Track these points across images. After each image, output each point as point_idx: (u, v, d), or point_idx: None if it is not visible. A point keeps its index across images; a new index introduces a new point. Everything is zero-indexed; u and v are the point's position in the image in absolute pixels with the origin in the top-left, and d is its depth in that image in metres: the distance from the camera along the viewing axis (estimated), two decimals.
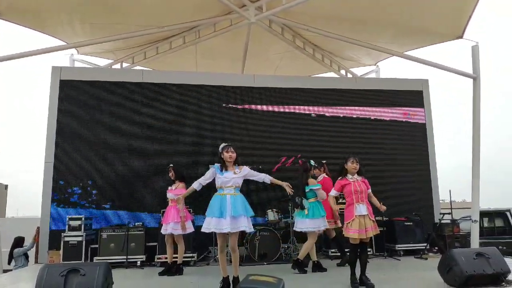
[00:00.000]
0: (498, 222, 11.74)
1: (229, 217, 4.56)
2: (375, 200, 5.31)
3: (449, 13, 7.90)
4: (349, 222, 5.05)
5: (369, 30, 8.84)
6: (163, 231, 6.40)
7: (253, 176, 4.92)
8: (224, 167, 4.77)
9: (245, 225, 4.61)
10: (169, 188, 6.62)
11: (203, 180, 4.91)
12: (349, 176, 5.27)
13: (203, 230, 4.73)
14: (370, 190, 5.29)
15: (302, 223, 6.31)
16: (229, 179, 4.69)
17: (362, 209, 5.07)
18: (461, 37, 8.39)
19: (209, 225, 4.66)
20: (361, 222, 5.00)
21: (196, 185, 4.93)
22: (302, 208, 6.31)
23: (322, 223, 6.24)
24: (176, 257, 6.39)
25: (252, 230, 4.97)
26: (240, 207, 4.59)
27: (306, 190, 6.33)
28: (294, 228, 6.56)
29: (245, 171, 4.80)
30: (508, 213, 11.82)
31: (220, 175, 4.75)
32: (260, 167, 8.35)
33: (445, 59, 9.59)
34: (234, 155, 4.74)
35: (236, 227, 4.60)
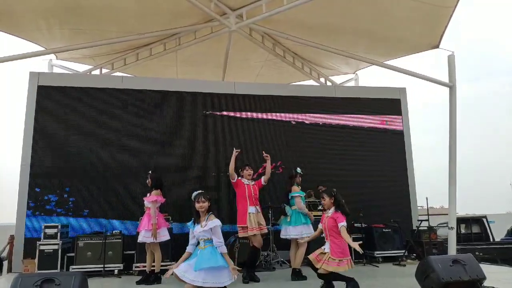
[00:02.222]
0: (475, 229, 11.97)
1: (193, 270, 4.30)
2: (345, 236, 4.86)
3: (425, 24, 8.07)
4: None
5: (347, 39, 8.97)
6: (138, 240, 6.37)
7: (214, 236, 4.51)
8: (196, 219, 4.64)
9: (202, 280, 4.26)
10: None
11: (190, 243, 4.67)
12: (327, 210, 5.21)
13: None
14: (342, 224, 4.88)
15: (285, 230, 6.48)
16: (197, 233, 4.56)
17: (326, 247, 5.05)
18: (437, 46, 8.57)
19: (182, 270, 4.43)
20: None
21: (190, 249, 4.66)
22: (285, 214, 6.41)
23: (304, 230, 6.29)
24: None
25: (219, 285, 4.46)
26: (202, 261, 4.31)
27: (289, 197, 6.41)
28: (281, 236, 6.61)
29: (210, 226, 4.46)
30: (484, 220, 12.08)
31: (193, 230, 4.65)
32: (228, 173, 8.44)
33: (424, 68, 9.79)
34: (204, 204, 4.56)
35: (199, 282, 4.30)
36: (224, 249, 4.40)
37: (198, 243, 4.52)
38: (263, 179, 6.76)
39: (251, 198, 6.41)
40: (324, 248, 5.03)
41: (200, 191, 4.68)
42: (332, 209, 5.02)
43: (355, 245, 4.65)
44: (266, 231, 6.55)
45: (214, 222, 4.46)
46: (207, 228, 4.43)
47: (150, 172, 6.74)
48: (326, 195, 5.05)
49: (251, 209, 6.33)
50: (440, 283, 4.66)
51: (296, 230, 6.30)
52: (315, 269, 5.12)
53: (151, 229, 6.13)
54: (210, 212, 4.55)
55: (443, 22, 7.96)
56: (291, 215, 6.39)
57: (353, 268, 4.97)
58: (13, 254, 7.65)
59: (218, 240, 4.41)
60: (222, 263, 4.32)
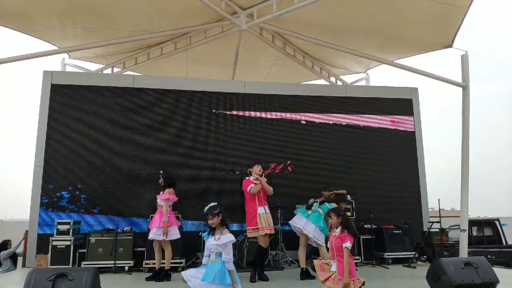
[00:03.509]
0: (487, 231, 11.78)
1: (200, 280, 4.37)
2: (346, 258, 4.62)
3: (438, 22, 7.99)
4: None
5: (358, 38, 8.92)
6: (149, 237, 6.42)
7: (223, 252, 4.52)
8: (211, 231, 4.68)
9: None
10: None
11: (205, 255, 4.71)
12: (334, 229, 5.02)
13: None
14: (345, 245, 4.62)
15: (299, 219, 6.41)
16: (209, 245, 4.60)
17: (332, 266, 4.98)
18: (450, 46, 8.47)
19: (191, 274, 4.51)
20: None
21: (204, 260, 4.71)
22: (309, 208, 6.45)
23: (317, 234, 6.22)
24: (164, 263, 6.37)
25: None
26: (210, 274, 4.35)
27: (327, 205, 6.36)
28: (290, 221, 6.60)
29: (223, 240, 4.50)
30: (497, 222, 11.89)
31: (206, 241, 4.68)
32: (237, 172, 8.51)
33: (436, 68, 9.68)
34: (214, 220, 4.58)
35: None
36: (232, 266, 4.43)
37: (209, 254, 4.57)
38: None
39: (260, 199, 6.39)
40: (331, 265, 4.97)
41: (210, 205, 4.68)
42: (339, 228, 4.97)
43: (347, 278, 4.57)
44: (273, 231, 6.51)
45: (228, 237, 4.49)
46: (221, 243, 4.47)
47: (161, 171, 6.80)
48: (334, 214, 4.99)
49: (260, 209, 6.31)
50: (452, 286, 4.59)
51: (310, 228, 6.24)
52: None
53: (162, 227, 6.18)
54: (224, 226, 4.58)
55: (456, 22, 7.88)
56: (314, 211, 6.37)
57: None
58: (27, 249, 7.77)
59: (227, 256, 4.43)
60: (229, 282, 4.36)
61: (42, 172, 7.96)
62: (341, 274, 4.72)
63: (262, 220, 6.25)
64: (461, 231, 8.15)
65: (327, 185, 7.09)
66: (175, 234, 6.37)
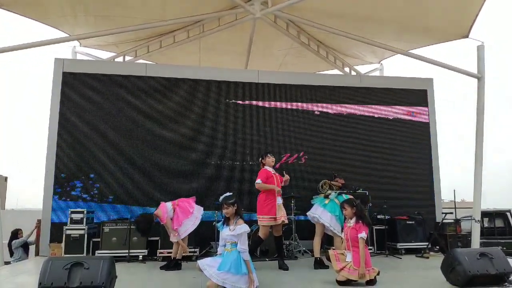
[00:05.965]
0: (499, 223, 11.74)
1: (216, 269, 4.42)
2: (362, 249, 4.77)
3: (455, 12, 7.86)
4: None
5: (373, 28, 8.81)
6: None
7: (239, 242, 4.55)
8: (226, 221, 4.67)
9: (222, 280, 4.36)
10: None
11: (220, 244, 4.77)
12: (348, 219, 5.11)
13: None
14: (361, 236, 4.76)
15: (316, 209, 6.38)
16: (225, 235, 4.59)
17: (347, 257, 4.96)
18: (466, 36, 8.35)
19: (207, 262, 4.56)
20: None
21: (220, 250, 4.74)
22: (326, 196, 6.41)
23: (331, 220, 6.17)
24: (184, 253, 6.41)
25: None
26: (226, 264, 4.40)
27: (344, 196, 6.33)
28: (307, 213, 6.53)
29: (237, 231, 4.52)
30: (508, 214, 11.83)
31: (221, 231, 4.67)
32: (251, 162, 8.51)
33: (451, 58, 9.52)
34: (229, 210, 4.57)
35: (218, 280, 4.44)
36: (247, 256, 4.45)
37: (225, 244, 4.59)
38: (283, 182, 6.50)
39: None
40: (346, 255, 4.96)
41: (225, 195, 4.69)
42: (354, 219, 4.93)
43: (363, 268, 4.64)
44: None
45: (242, 228, 4.50)
46: (235, 233, 4.50)
47: (134, 222, 6.49)
48: (348, 205, 4.96)
49: (279, 200, 6.19)
50: (467, 276, 4.58)
51: (326, 216, 6.18)
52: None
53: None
54: (239, 216, 4.59)
55: (473, 11, 7.73)
56: (331, 200, 6.31)
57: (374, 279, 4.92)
58: (40, 238, 7.82)
59: (242, 246, 4.45)
60: (244, 271, 4.40)
61: (54, 161, 7.95)
62: (357, 264, 4.75)
63: (280, 209, 6.16)
64: (475, 221, 8.11)
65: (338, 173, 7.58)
66: (192, 225, 6.33)
